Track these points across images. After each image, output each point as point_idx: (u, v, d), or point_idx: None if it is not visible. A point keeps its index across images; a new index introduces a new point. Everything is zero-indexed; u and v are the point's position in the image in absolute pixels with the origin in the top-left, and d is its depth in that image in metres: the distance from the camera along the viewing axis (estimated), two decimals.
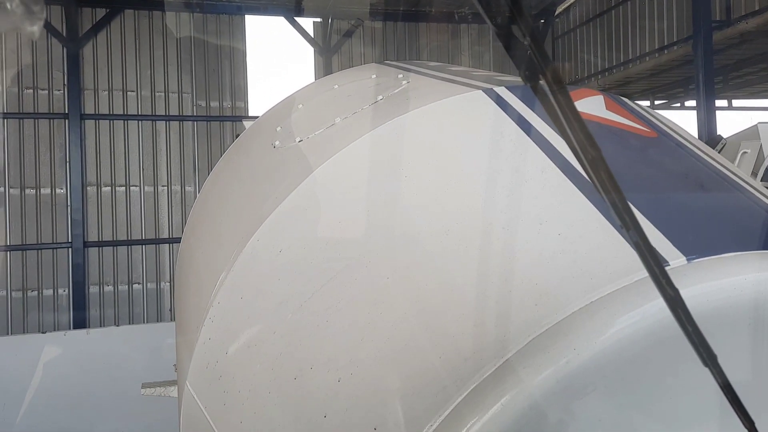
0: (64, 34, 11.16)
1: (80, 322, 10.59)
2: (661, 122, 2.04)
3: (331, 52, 13.15)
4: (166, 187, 11.70)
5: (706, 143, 9.04)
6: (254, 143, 2.56)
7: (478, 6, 0.63)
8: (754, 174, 7.77)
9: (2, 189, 10.98)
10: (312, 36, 13.20)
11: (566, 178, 1.52)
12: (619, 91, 12.70)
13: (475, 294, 1.48)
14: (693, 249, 1.29)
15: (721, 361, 1.05)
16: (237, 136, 3.45)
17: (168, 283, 11.49)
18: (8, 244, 10.90)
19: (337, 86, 2.59)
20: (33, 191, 11.06)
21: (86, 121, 11.30)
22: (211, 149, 11.88)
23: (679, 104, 14.82)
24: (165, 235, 11.59)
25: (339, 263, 1.55)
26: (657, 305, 1.19)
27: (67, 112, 11.12)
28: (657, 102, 14.62)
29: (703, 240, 1.35)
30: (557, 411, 1.26)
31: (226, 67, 12.23)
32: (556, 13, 13.90)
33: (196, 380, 1.70)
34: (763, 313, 1.18)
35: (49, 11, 10.82)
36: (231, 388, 1.58)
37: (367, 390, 1.33)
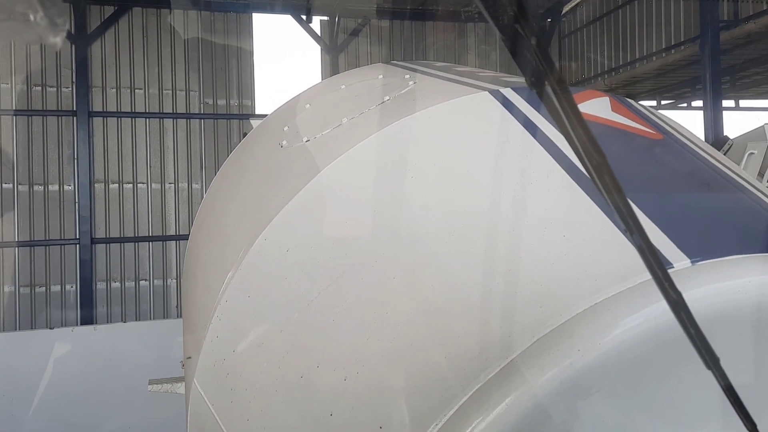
0: (73, 31, 11.21)
1: (87, 318, 10.65)
2: (667, 124, 2.04)
3: (337, 51, 13.16)
4: (173, 185, 11.75)
5: (713, 144, 9.00)
6: (262, 143, 2.58)
7: (482, 8, 0.64)
8: (761, 175, 7.73)
9: (11, 185, 11.05)
10: (319, 34, 13.21)
11: (571, 180, 1.52)
12: (626, 90, 12.66)
13: (480, 295, 1.49)
14: (697, 251, 1.30)
15: (723, 363, 1.06)
16: (244, 134, 3.47)
17: (174, 280, 11.55)
18: (17, 240, 10.97)
19: (344, 86, 2.60)
20: (41, 188, 11.13)
21: (94, 118, 11.35)
22: (217, 147, 11.93)
23: (685, 104, 14.76)
24: (172, 232, 11.64)
25: (345, 263, 1.56)
26: (661, 307, 1.20)
27: (75, 109, 11.18)
28: (663, 102, 14.57)
29: (707, 242, 1.36)
30: (561, 411, 1.27)
31: (233, 66, 12.27)
32: (563, 12, 13.86)
33: (204, 378, 1.72)
34: (766, 315, 1.19)
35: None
36: (238, 386, 1.60)
37: (373, 389, 1.34)
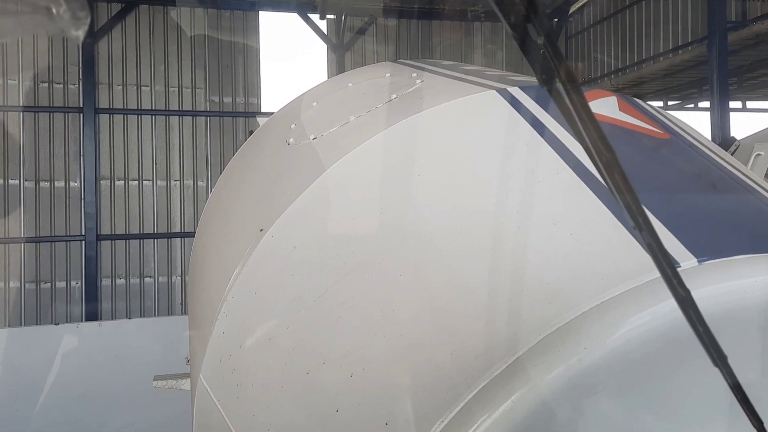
0: None
1: (92, 314, 10.69)
2: (674, 123, 2.04)
3: (344, 49, 13.16)
4: (178, 182, 11.78)
5: (719, 145, 8.97)
6: (269, 140, 2.59)
7: (494, 6, 0.65)
8: None
9: (17, 181, 11.09)
10: (325, 33, 13.22)
11: (579, 179, 1.52)
12: (633, 91, 12.63)
13: (486, 293, 1.50)
14: (704, 251, 1.30)
15: (730, 362, 1.06)
16: (250, 132, 3.47)
17: (179, 277, 11.57)
18: (23, 236, 11.02)
19: (351, 84, 2.60)
20: (47, 184, 11.17)
21: (101, 115, 11.39)
22: (223, 145, 11.95)
23: (692, 105, 14.70)
24: (177, 230, 11.67)
25: (352, 260, 1.57)
26: (668, 306, 1.20)
27: (81, 106, 11.22)
28: (670, 102, 14.52)
29: (714, 242, 1.35)
30: (567, 409, 1.27)
31: (239, 63, 12.29)
32: (570, 12, 13.83)
33: (210, 373, 1.73)
34: (763, 315, 1.19)
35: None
36: (244, 382, 1.61)
37: (379, 386, 1.34)
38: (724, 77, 9.25)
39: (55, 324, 6.64)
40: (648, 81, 12.27)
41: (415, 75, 2.39)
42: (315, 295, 1.55)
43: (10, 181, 11.06)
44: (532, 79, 2.48)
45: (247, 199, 2.27)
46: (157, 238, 11.59)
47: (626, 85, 12.43)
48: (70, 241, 11.14)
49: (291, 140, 2.25)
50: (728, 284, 1.24)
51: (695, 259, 1.28)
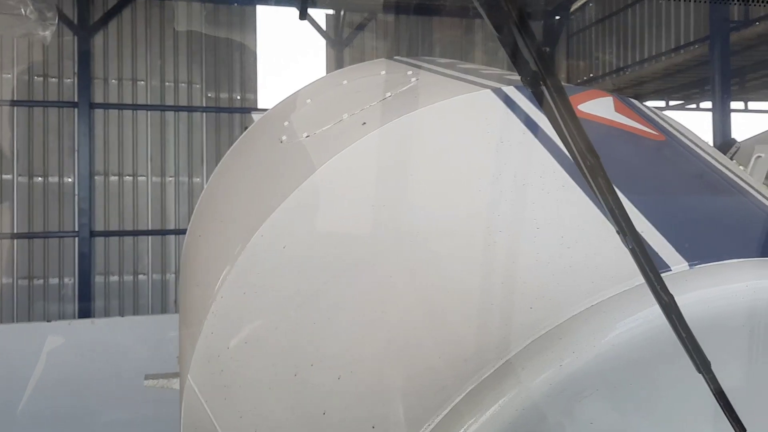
0: (76, 22, 11.19)
1: (85, 311, 10.65)
2: (670, 125, 2.03)
3: (342, 45, 13.13)
4: (173, 178, 11.74)
5: (720, 146, 8.98)
6: (262, 137, 2.57)
7: (479, 7, 0.63)
8: None
9: (11, 176, 11.04)
10: (324, 29, 13.18)
11: (572, 181, 1.51)
12: (634, 91, 12.61)
13: (478, 295, 1.49)
14: (696, 254, 1.29)
15: (718, 366, 1.05)
16: (246, 128, 3.46)
17: (173, 275, 11.53)
18: (15, 231, 10.98)
19: (345, 81, 2.59)
20: (41, 179, 11.12)
21: (95, 110, 11.34)
22: (219, 141, 11.91)
23: (694, 106, 14.69)
24: (171, 227, 11.63)
25: (343, 261, 1.55)
26: (657, 310, 1.19)
27: (76, 100, 11.16)
28: (672, 103, 14.51)
29: (706, 246, 1.35)
30: (555, 413, 1.26)
31: (236, 59, 12.25)
32: (572, 10, 13.81)
33: (198, 374, 1.71)
34: (759, 320, 1.18)
35: (61, 0, 10.86)
36: (232, 383, 1.59)
37: (367, 388, 1.33)
38: (725, 78, 9.24)
39: (47, 321, 6.61)
40: (650, 80, 12.25)
41: (410, 73, 2.37)
42: (304, 296, 1.53)
43: (4, 176, 11.00)
44: None
45: (239, 197, 2.25)
46: (152, 235, 11.55)
47: (628, 84, 12.41)
48: (63, 237, 11.10)
49: (284, 138, 2.23)
50: (719, 288, 1.23)
51: (686, 263, 1.28)
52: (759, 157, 7.96)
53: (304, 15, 12.47)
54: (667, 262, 1.29)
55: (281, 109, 2.74)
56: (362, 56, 13.09)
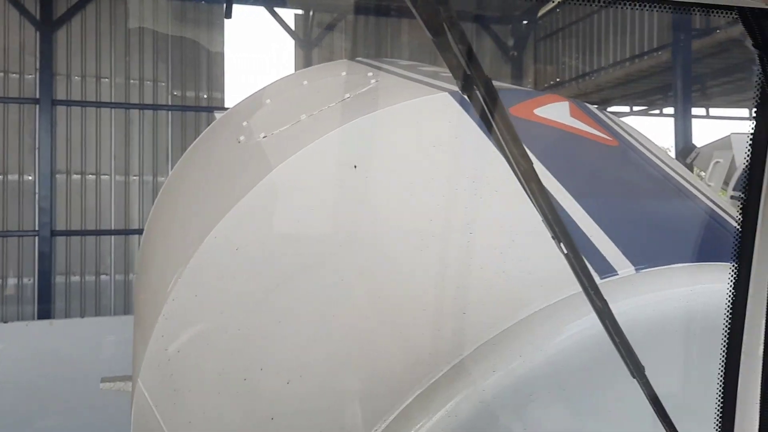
0: (38, 17, 10.91)
1: (45, 312, 10.39)
2: (625, 131, 2.05)
3: (311, 45, 13.05)
4: (137, 177, 11.53)
5: (680, 151, 9.14)
6: (220, 137, 2.53)
7: (415, 13, 0.63)
8: (726, 184, 7.86)
9: None
10: (293, 28, 13.09)
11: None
12: (600, 96, 12.78)
13: (432, 297, 1.48)
14: (642, 259, 1.31)
15: (664, 368, 1.06)
16: None
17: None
18: None
19: (306, 82, 2.57)
20: (0, 177, 10.83)
21: (58, 107, 11.07)
22: (185, 140, 11.72)
23: (658, 111, 14.96)
24: (135, 226, 11.41)
25: (295, 263, 1.53)
26: None
27: (38, 97, 10.89)
28: (636, 108, 14.75)
29: (652, 250, 1.36)
30: (505, 414, 1.27)
31: (203, 57, 12.09)
32: (539, 15, 13.94)
33: (148, 378, 1.68)
34: (698, 323, 1.20)
35: None
36: (182, 387, 1.56)
37: (316, 392, 1.32)
38: (687, 84, 9.43)
39: (4, 322, 6.44)
40: (614, 86, 12.43)
41: (370, 74, 2.36)
42: (256, 299, 1.51)
43: None
44: None
45: (195, 198, 2.21)
46: (115, 235, 11.32)
47: (593, 89, 12.57)
48: (22, 236, 10.81)
49: (241, 138, 2.20)
50: (665, 293, 1.24)
51: (633, 267, 1.29)
52: (717, 162, 8.15)
53: (229, 14, 12.26)
54: (614, 266, 1.30)
55: (241, 108, 2.71)
56: (331, 56, 13.03)
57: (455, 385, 1.28)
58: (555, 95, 2.12)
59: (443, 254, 1.55)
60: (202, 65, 12.03)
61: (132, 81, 11.60)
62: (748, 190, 0.83)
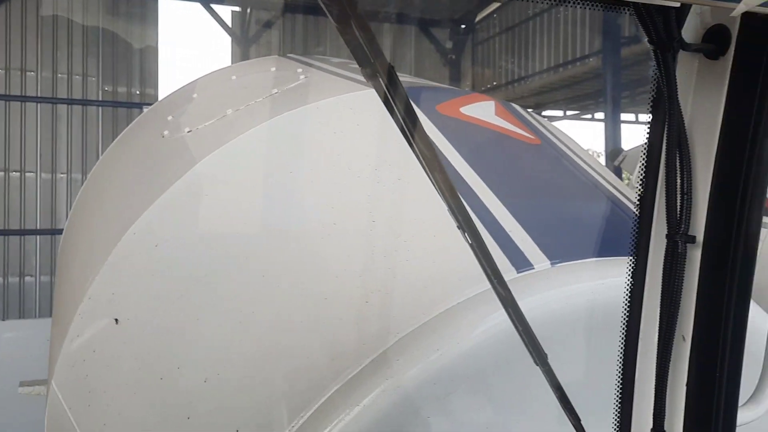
0: None
1: None
2: (548, 130, 2.11)
3: (249, 43, 12.86)
4: (65, 175, 11.08)
5: (609, 154, 9.46)
6: (145, 131, 2.47)
7: (321, 3, 0.63)
8: None
9: None
10: (230, 25, 12.87)
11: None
12: (535, 99, 13.11)
13: (356, 291, 1.48)
14: (557, 253, 1.35)
15: (569, 357, 1.10)
16: None
17: None
18: None
19: (234, 77, 2.53)
20: None
21: None
22: (116, 136, 11.35)
23: (590, 116, 15.46)
24: (62, 226, 10.97)
25: (214, 260, 1.51)
26: (523, 306, 1.23)
27: None
28: (570, 112, 15.21)
29: (567, 245, 1.41)
30: (424, 406, 1.28)
31: (135, 52, 11.73)
32: (477, 20, 14.17)
33: (62, 379, 1.61)
34: (601, 316, 1.25)
35: None
36: (97, 388, 1.51)
37: (234, 390, 1.30)
38: (616, 90, 9.80)
39: None
40: (549, 90, 12.78)
41: (300, 71, 2.35)
42: (174, 296, 1.48)
43: None
44: (414, 79, 2.50)
45: (116, 194, 2.15)
46: (40, 234, 10.85)
47: (529, 93, 12.88)
48: None
49: (166, 133, 2.15)
50: (578, 286, 1.28)
51: (548, 262, 1.33)
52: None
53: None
54: (531, 261, 1.33)
55: (167, 103, 2.64)
56: (269, 54, 12.87)
57: (374, 379, 1.28)
58: (479, 94, 2.16)
59: (366, 250, 1.56)
60: (135, 60, 11.68)
61: (60, 75, 11.15)
62: (645, 183, 0.87)
